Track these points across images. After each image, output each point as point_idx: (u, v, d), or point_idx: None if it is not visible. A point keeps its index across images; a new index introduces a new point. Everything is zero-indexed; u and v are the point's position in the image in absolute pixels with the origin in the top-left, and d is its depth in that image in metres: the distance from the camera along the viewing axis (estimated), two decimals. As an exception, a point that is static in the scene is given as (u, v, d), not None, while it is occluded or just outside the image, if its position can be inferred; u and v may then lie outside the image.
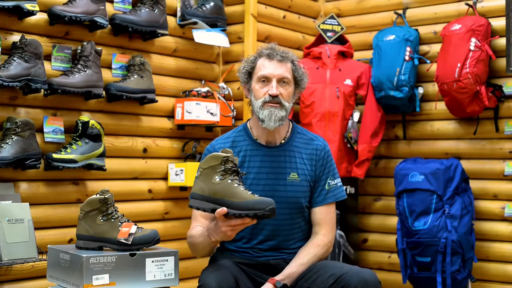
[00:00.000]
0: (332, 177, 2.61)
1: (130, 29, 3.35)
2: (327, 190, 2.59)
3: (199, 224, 2.52)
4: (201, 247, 2.47)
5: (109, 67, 3.38)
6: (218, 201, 2.27)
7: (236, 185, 2.27)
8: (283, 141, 2.60)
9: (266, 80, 2.52)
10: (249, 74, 2.58)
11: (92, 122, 3.12)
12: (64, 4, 3.12)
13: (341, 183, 2.64)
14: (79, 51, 3.16)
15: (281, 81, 2.52)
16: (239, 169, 2.33)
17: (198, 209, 2.32)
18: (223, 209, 2.24)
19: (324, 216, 2.58)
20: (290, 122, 2.66)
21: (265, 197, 2.31)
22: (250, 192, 2.26)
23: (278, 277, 2.43)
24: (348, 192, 3.98)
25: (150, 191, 3.58)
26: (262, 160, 2.55)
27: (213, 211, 2.28)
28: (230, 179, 2.28)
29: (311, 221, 2.60)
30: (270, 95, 2.49)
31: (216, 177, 2.29)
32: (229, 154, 2.30)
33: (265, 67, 2.52)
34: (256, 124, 2.58)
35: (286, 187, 2.53)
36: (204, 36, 3.72)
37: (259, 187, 2.50)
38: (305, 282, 2.44)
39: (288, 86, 2.54)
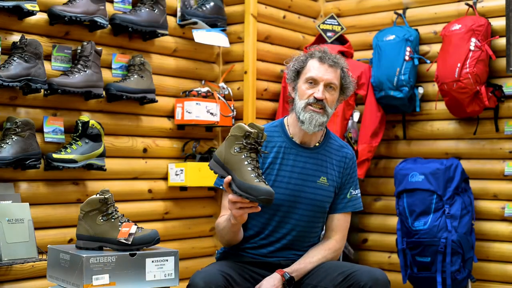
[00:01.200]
0: (354, 187, 2.64)
1: (130, 29, 3.35)
2: (348, 199, 2.62)
3: (227, 214, 2.51)
4: (224, 232, 2.48)
5: (109, 67, 3.38)
6: (228, 171, 2.29)
7: (246, 162, 2.26)
8: (317, 144, 2.61)
9: (313, 82, 2.52)
10: (298, 73, 2.58)
11: (92, 122, 3.12)
12: (64, 4, 3.12)
13: (360, 194, 2.67)
14: (79, 51, 3.16)
15: (328, 86, 2.52)
16: (259, 148, 2.30)
17: (211, 169, 2.34)
18: (228, 178, 2.26)
19: (341, 224, 2.62)
20: (325, 127, 2.67)
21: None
22: (254, 175, 2.24)
23: (286, 270, 2.46)
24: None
25: (150, 191, 3.58)
26: (295, 160, 2.55)
27: (222, 177, 2.32)
28: (244, 155, 2.27)
29: (326, 226, 2.63)
30: (315, 98, 2.49)
31: (235, 147, 2.28)
32: (253, 130, 2.28)
33: (315, 69, 2.52)
34: (294, 123, 2.58)
35: (315, 190, 2.54)
36: (204, 36, 3.72)
37: (289, 186, 2.50)
38: (312, 280, 2.46)
39: (334, 92, 2.54)
